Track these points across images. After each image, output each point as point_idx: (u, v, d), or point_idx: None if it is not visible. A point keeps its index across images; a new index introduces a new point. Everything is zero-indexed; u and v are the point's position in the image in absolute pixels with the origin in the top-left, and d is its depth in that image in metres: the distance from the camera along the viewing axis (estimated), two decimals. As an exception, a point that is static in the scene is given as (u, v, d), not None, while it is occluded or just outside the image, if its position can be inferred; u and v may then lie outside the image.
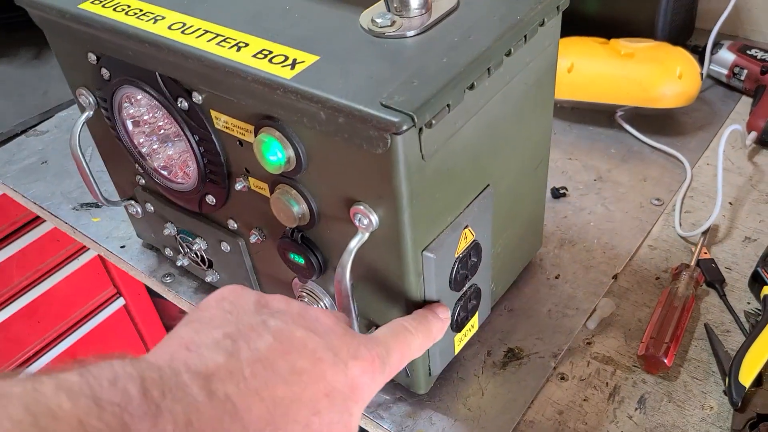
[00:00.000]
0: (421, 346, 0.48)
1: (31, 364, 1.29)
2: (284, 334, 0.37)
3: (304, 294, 0.60)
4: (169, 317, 1.73)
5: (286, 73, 0.44)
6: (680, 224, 0.74)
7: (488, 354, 0.63)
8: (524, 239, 0.66)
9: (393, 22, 0.47)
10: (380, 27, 0.47)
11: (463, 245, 0.52)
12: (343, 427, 0.38)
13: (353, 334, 0.41)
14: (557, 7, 0.52)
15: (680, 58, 0.83)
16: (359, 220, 0.47)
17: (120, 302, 1.41)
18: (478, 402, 0.59)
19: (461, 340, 0.59)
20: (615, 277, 0.69)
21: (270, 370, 0.35)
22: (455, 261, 0.52)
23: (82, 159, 0.64)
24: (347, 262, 0.48)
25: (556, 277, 0.69)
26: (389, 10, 0.48)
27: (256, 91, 0.46)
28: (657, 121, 0.87)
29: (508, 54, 0.48)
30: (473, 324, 0.60)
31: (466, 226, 0.52)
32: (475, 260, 0.55)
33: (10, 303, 1.22)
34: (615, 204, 0.77)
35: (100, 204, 0.69)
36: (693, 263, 0.68)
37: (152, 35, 0.50)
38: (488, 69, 0.45)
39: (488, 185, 0.54)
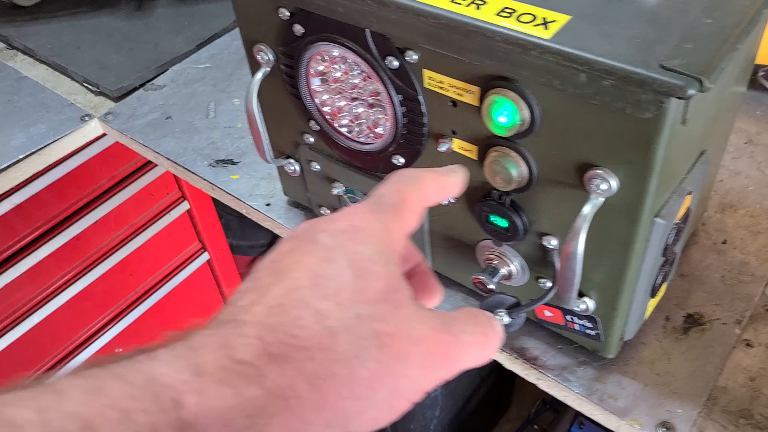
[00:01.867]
0: (428, 180, 0.41)
1: (122, 318, 1.30)
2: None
3: (493, 256, 0.59)
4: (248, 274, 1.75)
5: (541, 33, 0.43)
6: (840, 190, 0.73)
7: (666, 319, 0.63)
8: (700, 203, 0.65)
9: (642, -20, 0.45)
10: (629, -15, 0.45)
11: (681, 211, 0.52)
12: (360, 266, 0.33)
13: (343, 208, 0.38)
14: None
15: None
16: (596, 185, 0.46)
17: (204, 257, 1.41)
18: (665, 367, 0.59)
19: (651, 305, 0.59)
20: (781, 243, 0.68)
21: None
22: (674, 227, 0.51)
23: (257, 117, 0.63)
24: (581, 228, 0.47)
25: (723, 243, 0.68)
26: (631, -33, 0.46)
27: (500, 51, 0.45)
28: (799, 83, 0.85)
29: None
30: (662, 289, 0.59)
31: (689, 192, 0.51)
32: (683, 226, 0.54)
33: (109, 256, 1.22)
34: (773, 168, 0.75)
35: (266, 161, 0.68)
36: None
37: (376, -9, 0.49)
38: (748, 31, 0.44)
39: (704, 151, 0.53)
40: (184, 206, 1.31)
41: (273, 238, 1.73)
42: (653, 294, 0.57)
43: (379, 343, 0.31)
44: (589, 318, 0.57)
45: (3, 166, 0.85)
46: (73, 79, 0.98)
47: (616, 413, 0.57)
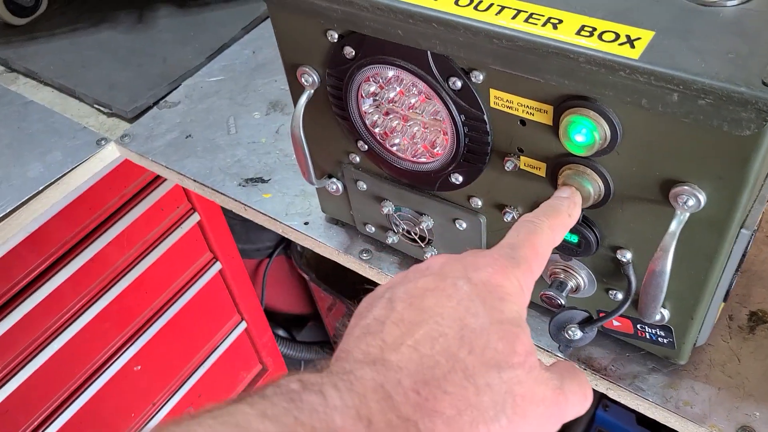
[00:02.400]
0: (550, 228, 0.43)
1: (140, 335, 1.28)
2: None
3: (559, 270, 0.58)
4: (255, 277, 1.73)
5: (629, 52, 0.42)
6: None
7: (730, 318, 0.63)
8: (755, 199, 0.64)
9: (719, -11, 0.44)
10: (707, -6, 0.44)
11: (759, 216, 0.51)
12: (502, 326, 0.35)
13: (476, 253, 0.39)
14: None
15: None
16: (683, 201, 0.45)
17: (217, 267, 1.39)
18: (736, 368, 0.59)
19: (720, 308, 0.58)
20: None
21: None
22: (752, 234, 0.51)
23: (303, 141, 0.61)
24: (669, 245, 0.46)
25: (776, 235, 0.68)
26: (707, -25, 0.45)
27: (582, 71, 0.43)
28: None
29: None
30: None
31: (769, 199, 0.50)
32: (756, 229, 0.53)
33: (124, 275, 1.20)
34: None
35: (311, 183, 0.66)
36: None
37: (442, 14, 0.47)
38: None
39: (777, 153, 0.52)
40: (195, 218, 1.28)
41: (279, 241, 1.71)
42: (726, 299, 0.56)
43: (513, 403, 0.33)
44: (663, 327, 0.56)
45: (23, 200, 0.82)
46: (81, 100, 0.94)
47: (694, 420, 0.57)
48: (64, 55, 1.00)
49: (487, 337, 0.33)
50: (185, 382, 1.45)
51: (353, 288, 1.51)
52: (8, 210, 0.81)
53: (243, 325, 1.54)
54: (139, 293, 1.26)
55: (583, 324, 0.57)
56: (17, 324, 1.04)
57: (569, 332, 0.57)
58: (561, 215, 0.45)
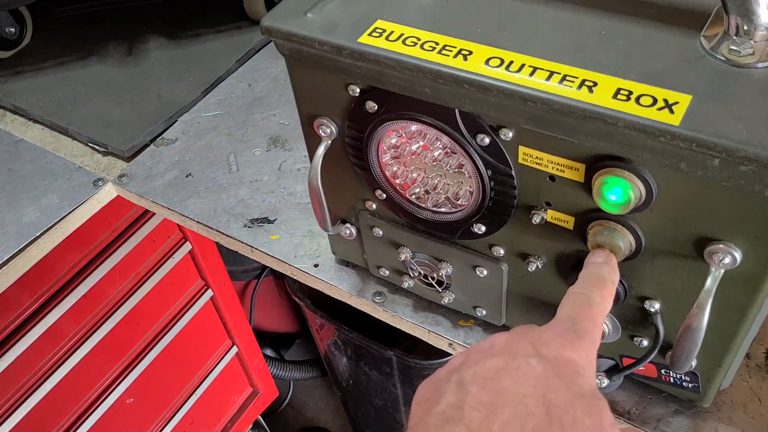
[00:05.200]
0: (601, 298, 0.44)
1: (133, 368, 1.25)
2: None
3: (583, 318, 0.58)
4: (243, 299, 1.71)
5: (669, 119, 0.42)
6: None
7: (748, 357, 0.63)
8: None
9: (754, 51, 0.44)
10: (742, 56, 0.44)
11: (786, 267, 0.51)
12: (585, 401, 0.35)
13: (536, 328, 0.40)
14: None
15: None
16: (719, 259, 0.46)
17: (208, 294, 1.37)
18: (758, 409, 0.60)
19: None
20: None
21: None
22: (781, 284, 0.51)
23: (321, 193, 0.60)
24: (706, 303, 0.46)
25: (786, 268, 0.69)
26: (737, 34, 0.45)
27: (620, 135, 0.43)
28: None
29: None
30: (750, 332, 0.59)
31: (797, 250, 0.51)
32: (780, 276, 0.54)
33: (116, 309, 1.17)
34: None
35: (326, 231, 0.65)
36: None
37: (474, 75, 0.46)
38: None
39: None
40: (187, 247, 1.26)
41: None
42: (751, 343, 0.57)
43: None
44: (689, 373, 0.57)
45: (20, 247, 0.79)
46: (75, 138, 0.92)
47: (722, 464, 0.57)
48: (53, 91, 0.97)
49: (574, 413, 0.33)
50: (177, 410, 1.43)
51: (345, 309, 1.51)
52: (5, 258, 0.78)
53: (234, 350, 1.52)
54: (131, 326, 1.23)
55: (610, 372, 0.57)
56: (12, 364, 1.02)
57: (596, 380, 0.57)
58: (606, 283, 0.45)
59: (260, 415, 1.73)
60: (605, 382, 0.56)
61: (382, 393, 1.43)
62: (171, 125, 0.93)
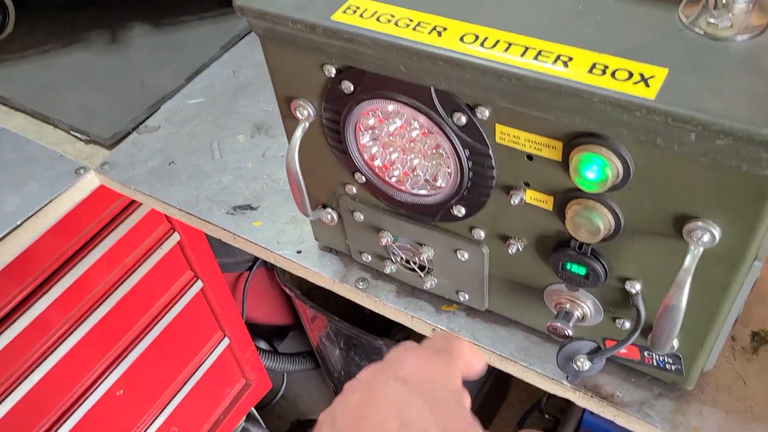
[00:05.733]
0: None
1: (123, 359, 1.25)
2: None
3: (564, 300, 0.57)
4: (234, 291, 1.70)
5: (644, 92, 0.41)
6: None
7: (733, 339, 0.62)
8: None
9: (732, 24, 0.43)
10: (720, 29, 0.43)
11: (768, 245, 0.51)
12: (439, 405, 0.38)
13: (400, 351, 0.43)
14: None
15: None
16: (698, 237, 0.45)
17: (198, 285, 1.36)
18: (743, 391, 0.59)
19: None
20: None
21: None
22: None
23: (299, 176, 0.59)
24: (685, 281, 0.46)
25: (772, 250, 0.68)
26: (716, 8, 0.44)
27: (596, 110, 0.42)
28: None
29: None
30: (734, 314, 0.59)
31: (778, 227, 0.50)
32: (763, 256, 0.53)
33: (104, 301, 1.16)
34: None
35: (306, 215, 0.64)
36: None
37: (448, 52, 0.45)
38: None
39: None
40: (175, 238, 1.25)
41: (259, 253, 1.68)
42: (734, 324, 0.56)
43: None
44: (672, 355, 0.56)
45: (1, 236, 0.78)
46: (57, 126, 0.91)
47: (705, 446, 0.56)
48: (35, 78, 0.96)
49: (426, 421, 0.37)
50: (168, 403, 1.42)
51: (337, 300, 1.50)
52: (-15, 246, 0.78)
53: (226, 342, 1.51)
54: (119, 317, 1.22)
55: (592, 354, 0.56)
56: (-2, 355, 1.01)
57: (578, 363, 0.56)
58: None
59: (253, 408, 1.73)
60: (587, 364, 0.56)
61: (374, 383, 1.42)
62: (154, 113, 0.92)
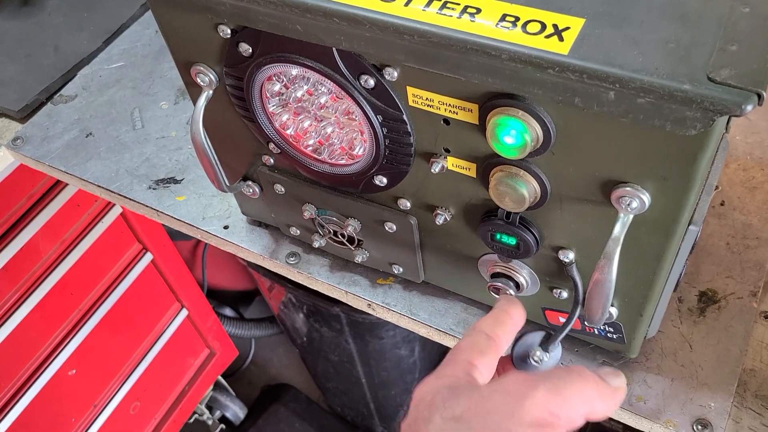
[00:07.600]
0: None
1: (72, 337, 1.20)
2: None
3: (499, 269, 0.54)
4: (193, 259, 1.66)
5: (557, 47, 0.36)
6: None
7: (680, 301, 0.59)
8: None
9: (654, -37, 0.39)
10: (640, -29, 0.38)
11: (706, 209, 0.47)
12: None
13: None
14: None
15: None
16: (626, 203, 0.41)
17: (148, 257, 1.31)
18: (689, 356, 0.56)
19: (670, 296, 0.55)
20: (777, 194, 0.65)
21: None
22: (700, 228, 0.47)
23: (207, 148, 0.54)
24: (614, 252, 0.42)
25: (722, 204, 0.65)
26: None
27: (507, 69, 0.38)
28: None
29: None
30: (678, 277, 0.55)
31: (717, 187, 0.46)
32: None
33: (44, 280, 1.11)
34: (756, 112, 0.72)
35: (222, 190, 0.59)
36: None
37: (343, 7, 0.40)
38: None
39: (724, 134, 0.48)
40: (117, 210, 1.20)
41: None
42: (676, 288, 0.53)
43: None
44: (612, 324, 0.53)
45: None
46: (-35, 100, 0.84)
47: (649, 417, 0.54)
48: (-60, 48, 0.89)
49: None
50: (127, 378, 1.38)
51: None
52: None
53: (184, 313, 1.47)
54: (64, 296, 1.18)
55: (545, 344, 0.52)
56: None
57: (535, 358, 0.51)
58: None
59: (221, 376, 1.70)
60: (545, 356, 0.51)
61: (337, 349, 1.40)
62: (70, 80, 0.85)
